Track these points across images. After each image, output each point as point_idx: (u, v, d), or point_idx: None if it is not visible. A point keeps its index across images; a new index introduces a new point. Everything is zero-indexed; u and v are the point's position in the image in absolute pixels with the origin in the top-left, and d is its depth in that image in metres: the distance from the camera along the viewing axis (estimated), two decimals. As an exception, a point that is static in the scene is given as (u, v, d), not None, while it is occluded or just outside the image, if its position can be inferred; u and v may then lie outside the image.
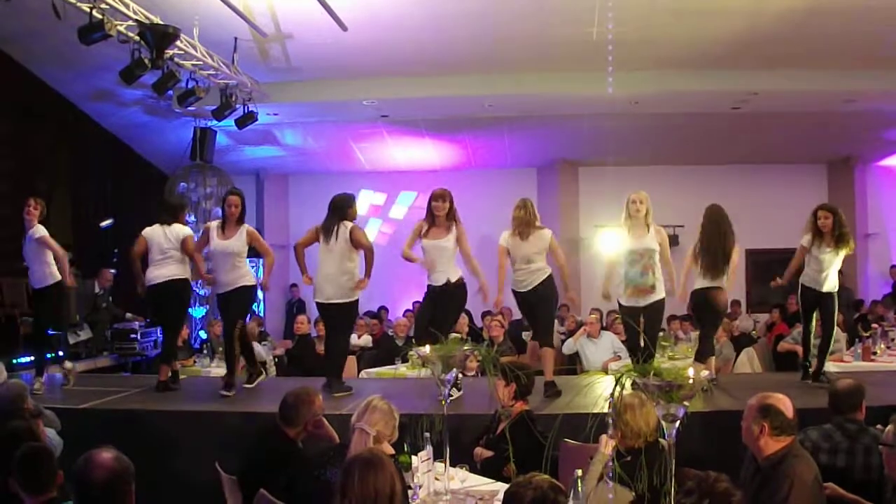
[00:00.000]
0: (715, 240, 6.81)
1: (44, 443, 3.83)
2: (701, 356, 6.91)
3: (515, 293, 6.87)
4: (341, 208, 6.95)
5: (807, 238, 6.93)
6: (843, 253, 6.81)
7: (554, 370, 7.03)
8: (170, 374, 7.30)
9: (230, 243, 6.93)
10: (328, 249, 6.86)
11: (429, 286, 6.80)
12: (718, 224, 6.85)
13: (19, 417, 4.33)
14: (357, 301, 7.03)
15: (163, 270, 7.12)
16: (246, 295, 7.13)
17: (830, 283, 6.87)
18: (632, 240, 6.70)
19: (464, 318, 10.62)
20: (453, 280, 6.72)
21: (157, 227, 7.22)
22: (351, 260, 6.89)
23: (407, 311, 12.33)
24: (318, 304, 7.02)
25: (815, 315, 7.05)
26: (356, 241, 6.84)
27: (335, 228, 6.83)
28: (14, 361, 7.63)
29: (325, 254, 6.89)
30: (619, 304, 6.91)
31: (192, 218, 12.15)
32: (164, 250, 7.11)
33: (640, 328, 6.53)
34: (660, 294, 6.73)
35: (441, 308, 6.71)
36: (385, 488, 2.87)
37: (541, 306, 6.85)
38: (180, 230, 7.23)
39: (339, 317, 7.03)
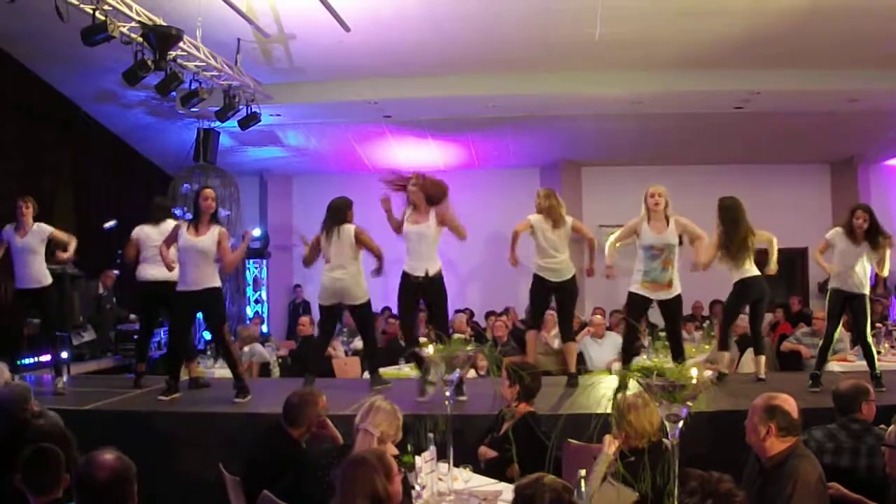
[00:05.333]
0: (736, 227, 6.90)
1: (50, 444, 3.83)
2: (759, 350, 7.33)
3: (540, 279, 7.03)
4: (340, 210, 6.97)
5: (833, 231, 6.83)
6: (873, 254, 6.67)
7: (557, 370, 7.13)
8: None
9: (201, 241, 6.64)
10: (333, 254, 6.90)
11: (412, 277, 6.61)
12: (735, 210, 6.95)
13: (24, 418, 4.34)
14: (369, 300, 7.10)
15: (150, 270, 7.27)
16: (220, 296, 6.99)
17: (859, 282, 6.71)
18: (652, 234, 6.72)
19: (462, 317, 10.66)
20: (432, 273, 6.58)
21: (145, 226, 7.40)
22: (358, 262, 6.93)
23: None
24: (325, 307, 7.07)
25: (841, 318, 6.92)
26: (363, 244, 6.88)
27: (335, 231, 6.86)
28: (18, 363, 7.63)
29: (331, 258, 6.92)
30: (629, 293, 6.90)
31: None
32: (150, 248, 7.24)
33: (642, 325, 6.66)
34: (677, 290, 6.78)
35: (429, 302, 6.70)
36: (376, 489, 2.88)
37: (566, 303, 7.13)
38: (170, 224, 7.29)
39: (364, 317, 7.21)
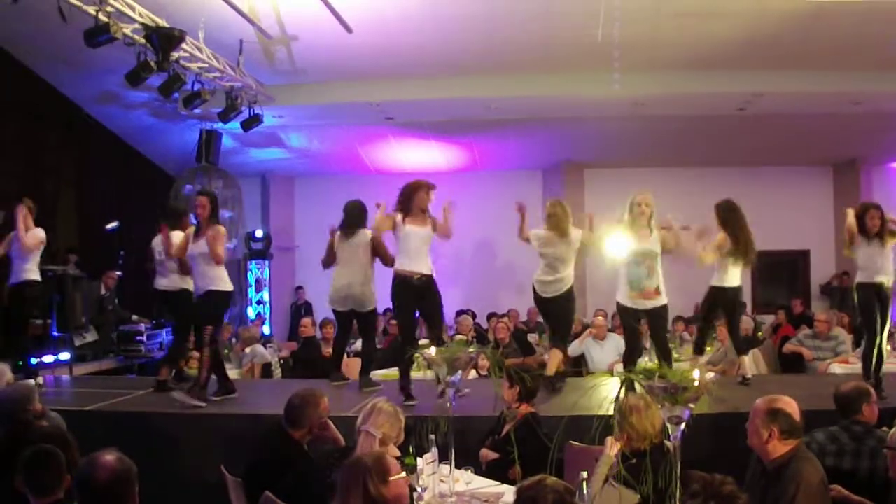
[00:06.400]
0: (743, 228, 6.88)
1: (52, 445, 3.84)
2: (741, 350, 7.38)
3: (535, 293, 7.07)
4: (360, 215, 7.02)
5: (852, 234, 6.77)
6: (890, 244, 6.67)
7: (559, 372, 7.10)
8: (172, 373, 7.46)
9: (199, 245, 6.76)
10: (347, 259, 6.94)
11: (415, 276, 6.64)
12: (739, 211, 6.95)
13: (25, 419, 4.34)
14: (375, 307, 7.22)
15: (162, 280, 7.33)
16: (213, 300, 6.76)
17: (886, 275, 6.69)
18: (636, 241, 6.73)
19: (467, 320, 10.64)
20: (427, 273, 6.58)
21: (160, 235, 7.37)
22: (369, 268, 7.00)
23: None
24: (340, 312, 7.13)
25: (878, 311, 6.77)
26: (377, 251, 6.96)
27: (352, 235, 6.92)
28: (20, 364, 7.65)
29: (343, 263, 6.97)
30: (618, 304, 6.90)
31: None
32: (160, 260, 7.29)
33: (640, 331, 6.65)
34: (663, 299, 6.78)
35: (427, 301, 6.67)
36: (369, 492, 2.90)
37: (552, 318, 7.21)
38: (179, 236, 7.25)
39: (368, 324, 7.29)
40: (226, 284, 6.79)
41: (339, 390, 6.98)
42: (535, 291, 7.10)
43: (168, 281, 7.30)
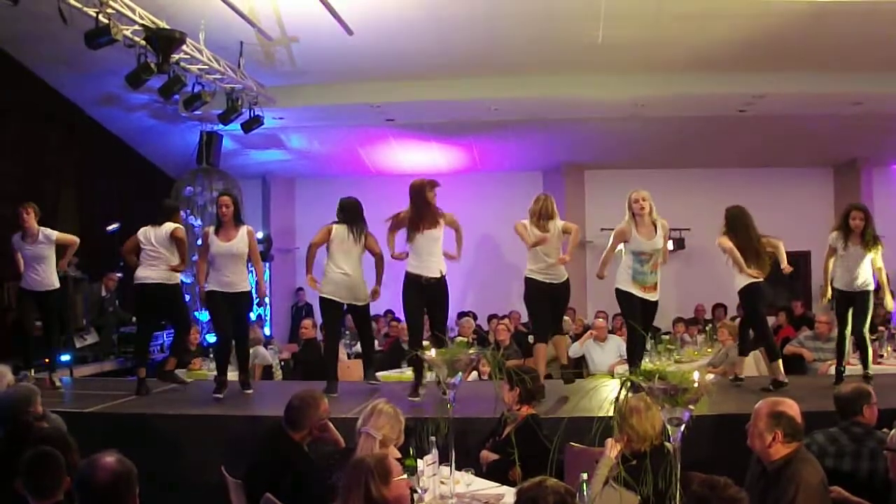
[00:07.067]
0: (749, 233, 6.88)
1: (52, 446, 3.83)
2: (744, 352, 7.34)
3: (539, 283, 6.89)
4: (360, 213, 7.05)
5: (833, 235, 6.90)
6: (871, 254, 6.73)
7: (562, 374, 7.11)
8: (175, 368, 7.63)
9: (234, 245, 6.93)
10: (349, 251, 6.91)
11: (424, 278, 6.68)
12: (745, 217, 6.94)
13: (26, 421, 4.34)
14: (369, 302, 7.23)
15: (148, 272, 7.21)
16: (251, 299, 7.33)
17: (862, 282, 6.77)
18: (643, 240, 6.75)
19: (469, 322, 10.63)
20: (444, 272, 6.78)
21: (148, 227, 7.34)
22: (361, 263, 7.01)
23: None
24: (334, 307, 7.01)
25: (849, 318, 6.89)
26: (371, 247, 6.98)
27: (360, 232, 6.93)
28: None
29: (344, 255, 6.91)
30: (618, 290, 6.90)
31: (199, 221, 12.21)
32: (149, 250, 7.22)
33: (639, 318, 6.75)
34: (658, 295, 6.89)
35: (436, 303, 6.77)
36: (370, 493, 2.89)
37: (562, 305, 7.12)
38: (167, 226, 7.25)
39: (366, 317, 7.36)
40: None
41: (338, 392, 6.91)
42: (534, 283, 6.89)
43: (158, 273, 7.20)
